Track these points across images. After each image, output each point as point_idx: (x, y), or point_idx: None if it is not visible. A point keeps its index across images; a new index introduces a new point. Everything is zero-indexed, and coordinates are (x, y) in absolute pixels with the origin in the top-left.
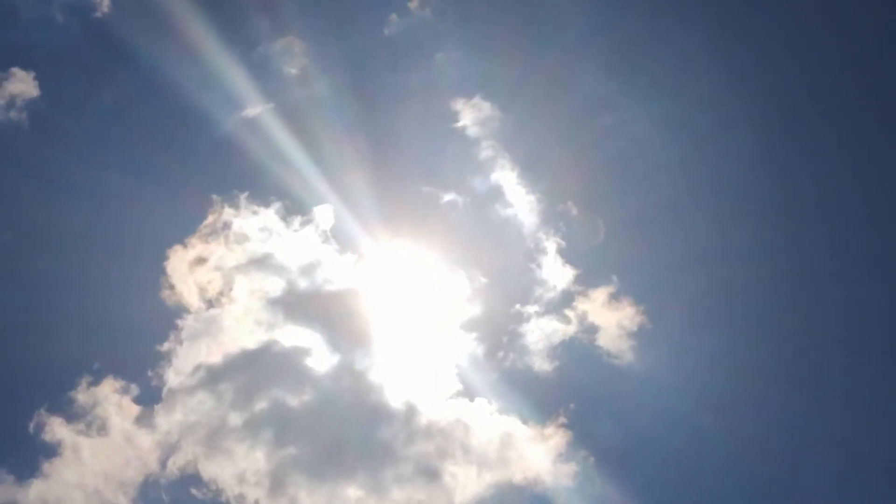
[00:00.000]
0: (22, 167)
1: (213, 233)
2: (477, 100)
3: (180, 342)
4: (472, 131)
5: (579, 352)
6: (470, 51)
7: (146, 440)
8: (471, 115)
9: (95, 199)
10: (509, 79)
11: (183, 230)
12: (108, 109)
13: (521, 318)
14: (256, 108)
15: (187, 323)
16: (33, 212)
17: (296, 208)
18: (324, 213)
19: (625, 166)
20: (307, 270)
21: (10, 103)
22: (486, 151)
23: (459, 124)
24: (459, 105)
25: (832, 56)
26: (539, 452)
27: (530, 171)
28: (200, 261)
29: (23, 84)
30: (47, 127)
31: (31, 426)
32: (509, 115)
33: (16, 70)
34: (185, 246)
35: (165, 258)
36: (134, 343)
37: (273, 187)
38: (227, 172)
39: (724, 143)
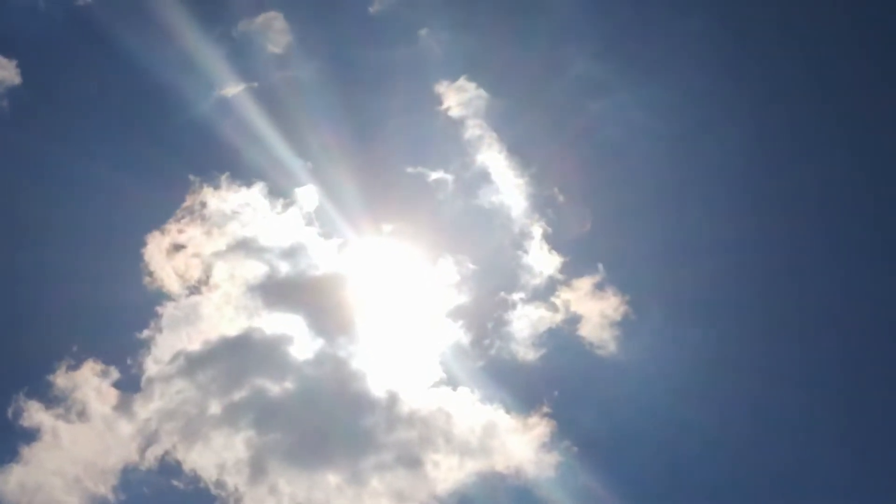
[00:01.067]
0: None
1: (193, 216)
2: (462, 81)
3: (160, 329)
4: (458, 113)
5: (563, 341)
6: (456, 31)
7: (126, 426)
8: (456, 97)
9: (73, 185)
10: (496, 60)
11: (162, 214)
12: (85, 93)
13: (506, 306)
14: (236, 88)
15: (167, 309)
16: (11, 199)
17: (278, 190)
18: (307, 196)
19: (614, 153)
20: (289, 255)
21: None
22: (471, 135)
23: (445, 106)
24: (445, 87)
25: (830, 44)
26: (522, 442)
27: (517, 155)
28: (179, 246)
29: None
30: (25, 113)
31: (10, 411)
32: (496, 97)
33: None
34: (163, 231)
35: (144, 244)
36: (114, 329)
37: (254, 169)
38: (207, 154)
39: (717, 133)
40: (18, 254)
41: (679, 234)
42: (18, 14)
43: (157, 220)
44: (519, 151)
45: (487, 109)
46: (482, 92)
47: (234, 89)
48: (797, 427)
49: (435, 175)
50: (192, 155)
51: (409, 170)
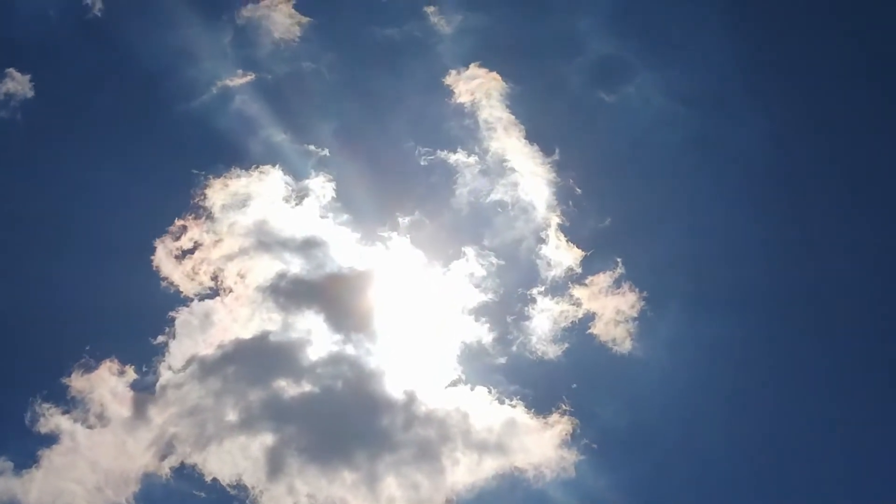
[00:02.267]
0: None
1: (203, 212)
2: (475, 66)
3: (176, 331)
4: (471, 100)
5: (582, 338)
6: (467, 11)
7: (143, 430)
8: (469, 83)
9: (82, 188)
10: (510, 42)
11: (172, 212)
12: (91, 97)
13: (525, 302)
14: (242, 78)
15: (181, 313)
16: (23, 206)
17: (290, 183)
18: (321, 187)
19: (635, 142)
20: (304, 250)
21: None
22: (486, 122)
23: (457, 93)
24: (457, 72)
25: (856, 29)
26: (541, 440)
27: (535, 144)
28: (191, 247)
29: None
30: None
31: (27, 416)
32: (511, 82)
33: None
34: (174, 231)
35: (155, 246)
36: (129, 334)
37: (264, 161)
38: (214, 147)
39: (745, 120)
40: (32, 260)
41: (700, 228)
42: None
43: (168, 219)
44: (536, 140)
45: (502, 95)
46: (496, 76)
47: (239, 79)
48: (817, 424)
49: (450, 164)
50: (199, 149)
51: (424, 161)
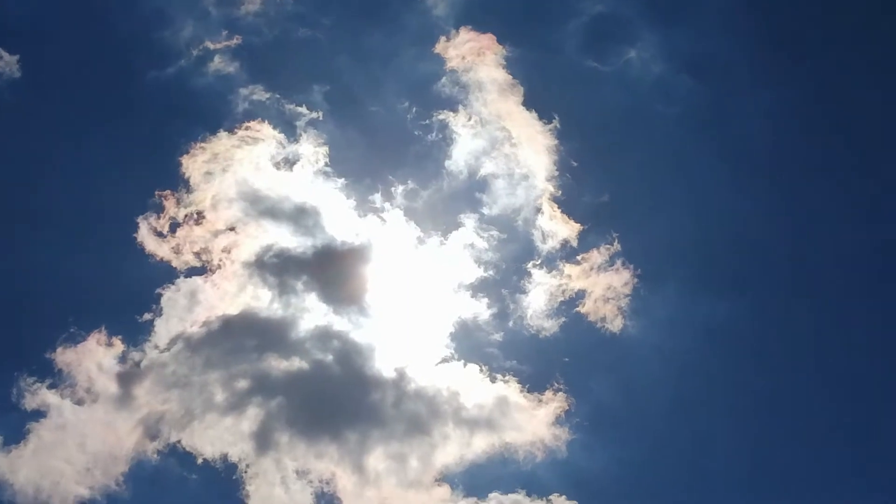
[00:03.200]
0: None
1: (190, 184)
2: (469, 30)
3: (162, 308)
4: (468, 63)
5: (577, 315)
6: None
7: (130, 407)
8: (464, 46)
9: (65, 160)
10: (506, 4)
11: (158, 184)
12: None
13: (521, 276)
14: (227, 40)
15: (169, 288)
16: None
17: (280, 150)
18: (314, 152)
19: (635, 111)
20: (295, 220)
21: None
22: (480, 87)
23: (453, 55)
24: (452, 34)
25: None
26: (534, 417)
27: (532, 110)
28: (177, 219)
29: None
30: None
31: (14, 391)
32: (510, 46)
33: None
34: (158, 202)
35: (138, 223)
36: (116, 311)
37: (253, 124)
38: (202, 112)
39: (751, 87)
40: (18, 237)
41: (699, 205)
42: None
43: (153, 192)
44: (534, 106)
45: (498, 57)
46: (491, 37)
47: (225, 42)
48: (814, 404)
49: (445, 128)
50: (186, 115)
51: (417, 129)
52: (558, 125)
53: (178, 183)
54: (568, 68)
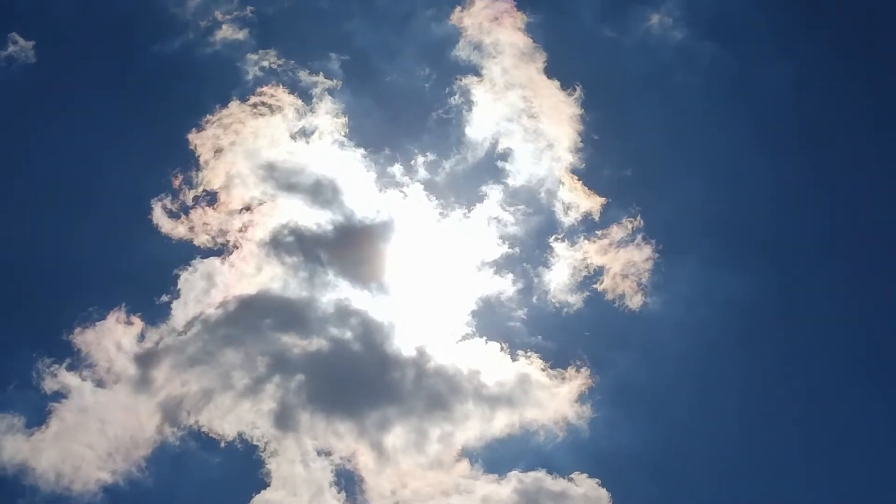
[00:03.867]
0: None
1: (204, 160)
2: None
3: (181, 286)
4: (488, 30)
5: (600, 291)
6: None
7: (151, 388)
8: (484, 12)
9: (82, 141)
10: None
11: (174, 163)
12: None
13: (543, 250)
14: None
15: (187, 268)
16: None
17: (299, 120)
18: (332, 124)
19: (657, 79)
20: (314, 195)
21: None
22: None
23: (467, 24)
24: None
25: None
26: (554, 395)
27: (554, 78)
28: (193, 197)
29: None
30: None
31: (34, 373)
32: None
33: None
34: (174, 182)
35: (155, 203)
36: (134, 293)
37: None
38: (218, 85)
39: (777, 59)
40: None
41: (721, 176)
42: None
43: (169, 171)
44: (555, 73)
45: (517, 22)
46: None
47: (235, 11)
48: (841, 378)
49: (464, 98)
50: (202, 90)
51: (436, 100)
52: (582, 95)
53: (192, 161)
54: (588, 35)
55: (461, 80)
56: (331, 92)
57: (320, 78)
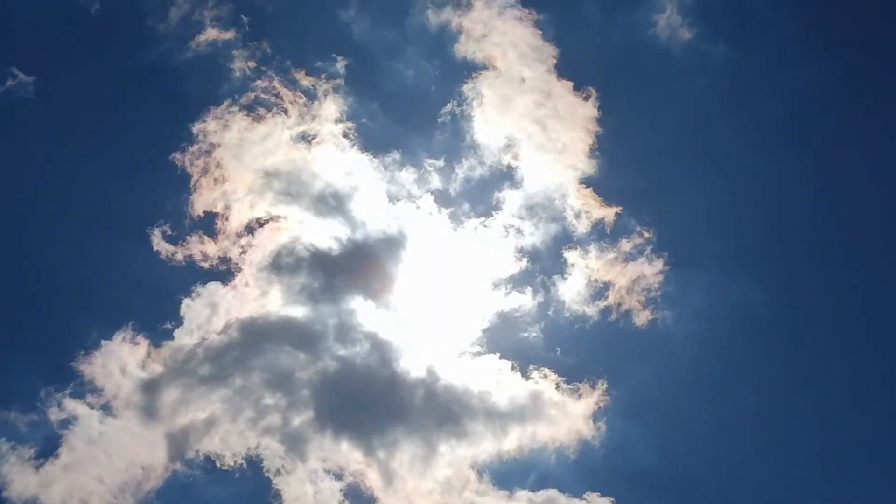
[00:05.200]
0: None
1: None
2: None
3: (184, 311)
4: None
5: (611, 305)
6: None
7: (158, 414)
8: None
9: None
10: None
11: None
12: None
13: (554, 264)
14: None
15: (191, 290)
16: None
17: (302, 128)
18: (334, 130)
19: (670, 79)
20: (319, 206)
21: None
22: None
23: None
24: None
25: None
26: (569, 412)
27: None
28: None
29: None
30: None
31: (39, 401)
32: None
33: None
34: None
35: (149, 233)
36: (140, 314)
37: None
38: (214, 92)
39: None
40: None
41: (736, 185)
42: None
43: (167, 191)
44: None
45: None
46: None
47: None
48: (860, 390)
49: (469, 98)
50: (199, 102)
51: (441, 101)
52: (596, 98)
53: (191, 181)
54: (597, 33)
55: (466, 78)
56: (336, 89)
57: (321, 80)
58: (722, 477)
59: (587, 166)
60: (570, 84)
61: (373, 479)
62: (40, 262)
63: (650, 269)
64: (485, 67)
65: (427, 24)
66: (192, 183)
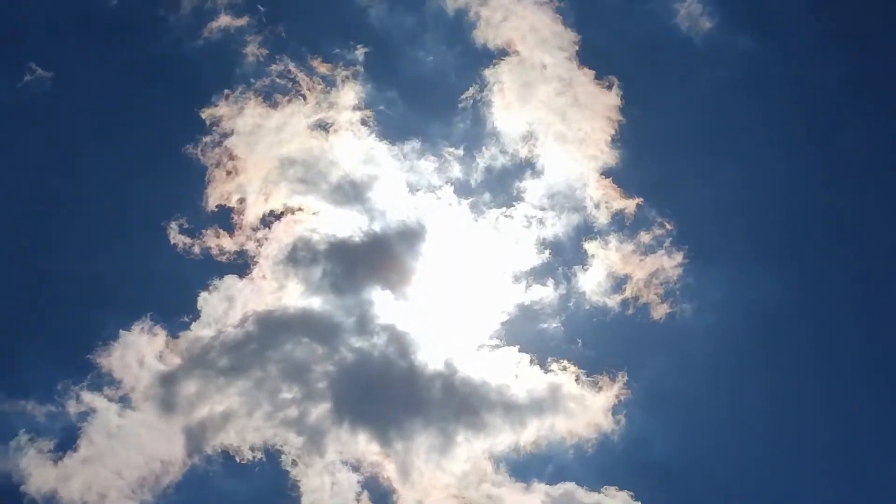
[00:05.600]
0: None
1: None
2: None
3: (202, 304)
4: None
5: (631, 299)
6: None
7: (175, 409)
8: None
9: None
10: None
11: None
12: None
13: (574, 256)
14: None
15: (209, 284)
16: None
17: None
18: (352, 118)
19: (689, 72)
20: (336, 195)
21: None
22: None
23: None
24: None
25: None
26: (588, 405)
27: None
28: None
29: None
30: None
31: (57, 393)
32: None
33: None
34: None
35: (167, 227)
36: (158, 307)
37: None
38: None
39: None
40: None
41: (757, 181)
42: None
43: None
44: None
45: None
46: None
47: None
48: (878, 384)
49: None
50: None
51: (461, 89)
52: (618, 88)
53: (208, 173)
54: (617, 20)
55: (487, 67)
56: (355, 76)
57: (339, 67)
58: (739, 471)
59: (608, 157)
60: (592, 73)
61: (390, 472)
62: (58, 256)
63: (670, 262)
64: (505, 54)
65: (446, 9)
66: (207, 175)
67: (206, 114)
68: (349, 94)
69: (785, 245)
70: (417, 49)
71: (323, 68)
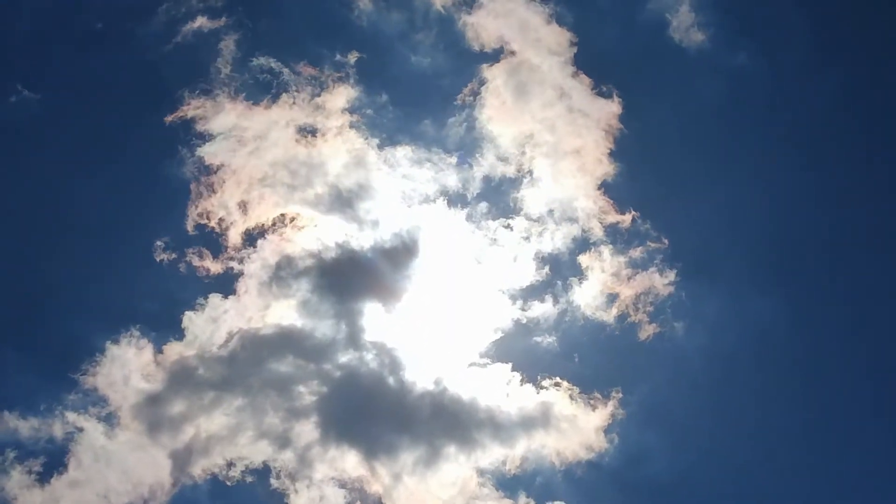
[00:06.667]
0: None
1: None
2: None
3: (187, 323)
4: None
5: (623, 316)
6: None
7: (162, 428)
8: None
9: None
10: None
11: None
12: None
13: (568, 270)
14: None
15: (195, 303)
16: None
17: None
18: (341, 123)
19: (687, 86)
20: (329, 207)
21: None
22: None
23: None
24: None
25: None
26: (582, 423)
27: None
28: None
29: None
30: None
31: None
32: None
33: None
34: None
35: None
36: (143, 323)
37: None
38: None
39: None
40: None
41: (751, 198)
42: None
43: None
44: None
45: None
46: None
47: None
48: (874, 402)
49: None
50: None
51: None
52: (617, 97)
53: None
54: (614, 26)
55: (480, 71)
56: (344, 79)
57: (328, 70)
58: (733, 493)
59: (605, 169)
60: (589, 80)
61: (379, 490)
62: (44, 273)
63: (661, 280)
64: (499, 57)
65: (438, 10)
66: (192, 190)
67: (188, 114)
68: (339, 98)
69: (780, 264)
70: (409, 51)
71: (311, 70)
